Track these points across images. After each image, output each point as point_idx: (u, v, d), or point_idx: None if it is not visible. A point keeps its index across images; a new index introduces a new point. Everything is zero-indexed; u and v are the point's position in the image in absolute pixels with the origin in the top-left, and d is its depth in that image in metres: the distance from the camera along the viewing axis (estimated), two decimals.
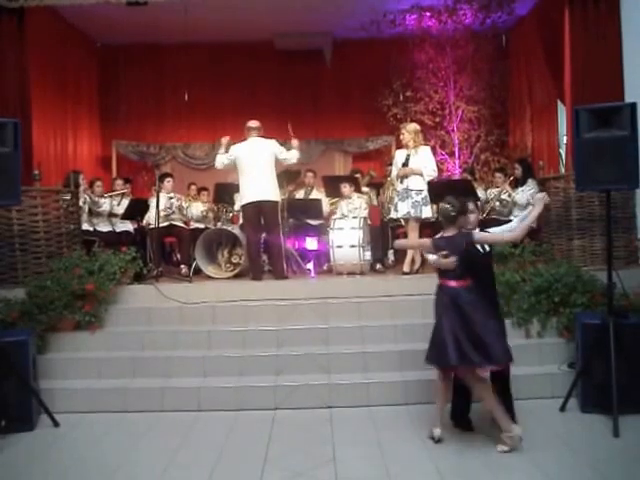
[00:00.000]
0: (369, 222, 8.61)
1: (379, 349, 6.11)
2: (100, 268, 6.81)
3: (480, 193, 9.05)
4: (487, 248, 5.09)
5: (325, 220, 9.08)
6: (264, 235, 7.93)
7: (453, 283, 4.86)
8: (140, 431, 5.33)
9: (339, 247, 7.85)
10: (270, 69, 12.43)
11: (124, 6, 8.37)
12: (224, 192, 9.21)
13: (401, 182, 7.73)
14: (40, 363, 5.88)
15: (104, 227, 8.80)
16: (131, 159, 12.49)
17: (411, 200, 7.60)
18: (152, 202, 8.52)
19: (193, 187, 10.48)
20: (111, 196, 9.16)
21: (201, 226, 9.42)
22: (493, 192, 8.92)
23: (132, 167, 12.34)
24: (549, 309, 6.24)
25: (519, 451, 4.60)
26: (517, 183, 8.57)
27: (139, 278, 7.41)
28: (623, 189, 6.27)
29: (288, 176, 9.09)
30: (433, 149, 8.85)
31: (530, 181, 8.35)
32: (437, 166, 8.11)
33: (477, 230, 5.05)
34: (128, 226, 9.12)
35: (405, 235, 8.10)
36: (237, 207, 8.88)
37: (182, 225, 9.18)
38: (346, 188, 8.96)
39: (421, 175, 7.64)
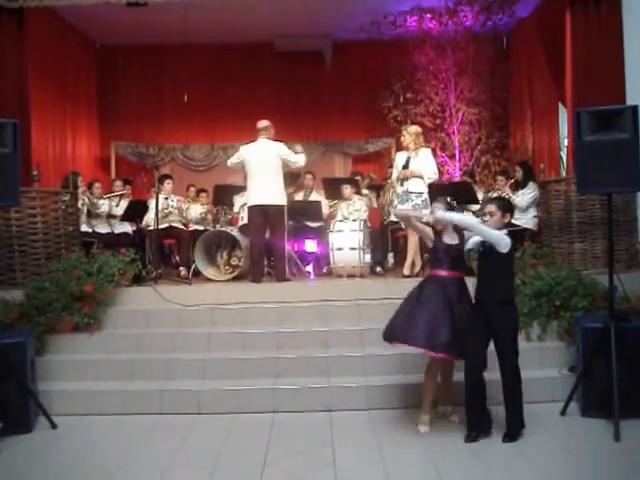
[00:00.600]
0: (369, 224, 8.59)
1: (379, 352, 6.06)
2: (99, 270, 6.79)
3: (480, 196, 9.03)
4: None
5: (324, 222, 9.06)
6: (267, 237, 7.90)
7: (444, 272, 5.09)
8: (138, 434, 5.30)
9: (339, 249, 7.83)
10: (270, 70, 12.42)
11: (124, 7, 8.33)
12: (223, 194, 9.18)
13: (401, 184, 7.71)
14: (38, 365, 5.84)
15: (103, 228, 8.78)
16: (130, 160, 12.46)
17: (411, 203, 7.58)
18: (151, 203, 8.50)
19: (192, 189, 10.47)
20: (110, 197, 9.13)
21: (200, 228, 9.40)
22: (494, 195, 8.88)
23: (131, 168, 12.31)
24: (550, 313, 6.20)
25: (520, 456, 4.57)
26: (518, 186, 8.54)
27: (138, 280, 7.38)
28: (625, 192, 6.26)
29: (287, 178, 9.03)
30: (433, 151, 8.83)
31: (531, 184, 8.32)
32: (437, 168, 8.09)
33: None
34: (127, 228, 9.10)
35: (405, 238, 8.07)
36: (236, 209, 8.86)
37: (181, 227, 9.16)
38: (347, 189, 8.96)
39: (421, 178, 7.62)
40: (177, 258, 9.35)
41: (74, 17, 10.61)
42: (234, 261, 8.24)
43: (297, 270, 8.46)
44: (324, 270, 8.63)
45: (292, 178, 9.49)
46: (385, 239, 8.89)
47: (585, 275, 6.46)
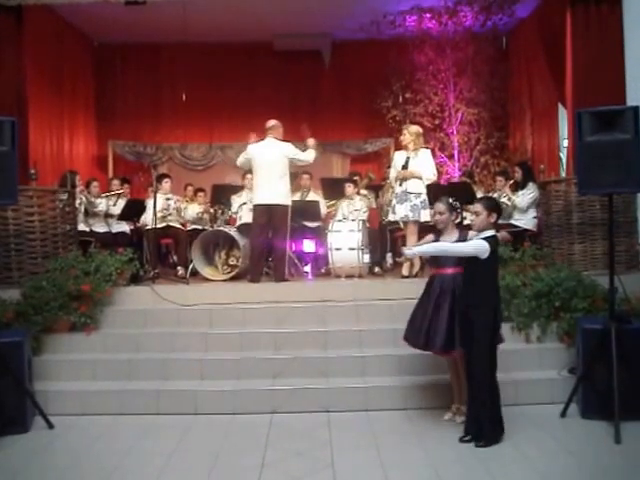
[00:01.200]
0: (368, 225, 8.56)
1: (377, 353, 6.06)
2: (96, 269, 6.77)
3: (480, 196, 9.01)
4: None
5: (323, 222, 9.03)
6: (268, 237, 7.86)
7: (451, 270, 5.13)
8: (135, 434, 5.26)
9: (338, 249, 7.80)
10: (269, 70, 12.39)
11: (122, 5, 8.31)
12: (221, 193, 9.16)
13: (400, 185, 7.68)
14: (35, 364, 5.81)
15: (100, 228, 8.75)
16: (128, 159, 12.43)
17: (410, 203, 7.55)
18: (149, 203, 8.47)
19: (190, 188, 10.43)
20: (107, 196, 9.09)
21: (198, 227, 9.36)
22: (493, 196, 8.86)
23: (129, 167, 12.27)
24: (549, 314, 6.18)
25: (520, 457, 4.55)
26: (517, 186, 8.51)
27: (135, 279, 7.35)
28: (625, 193, 6.24)
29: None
30: (432, 152, 8.80)
31: (530, 184, 8.30)
32: (436, 169, 8.06)
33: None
34: (124, 227, 9.07)
35: (403, 238, 8.05)
36: (234, 209, 8.83)
37: (179, 226, 9.13)
38: (350, 188, 8.94)
39: (420, 178, 7.59)
40: (175, 258, 9.32)
41: (72, 15, 10.57)
42: (232, 261, 8.21)
43: (295, 270, 8.43)
44: (322, 270, 8.60)
45: (291, 178, 9.46)
46: (384, 239, 8.86)
47: (585, 276, 6.44)
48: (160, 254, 9.42)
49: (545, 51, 9.38)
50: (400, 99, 11.71)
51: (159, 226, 8.49)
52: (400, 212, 7.61)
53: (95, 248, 7.61)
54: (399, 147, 8.37)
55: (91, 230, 8.63)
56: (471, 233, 5.14)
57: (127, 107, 12.47)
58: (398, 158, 7.82)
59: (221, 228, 8.46)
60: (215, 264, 8.31)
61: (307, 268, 8.57)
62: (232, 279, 7.92)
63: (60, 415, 5.55)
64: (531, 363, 5.98)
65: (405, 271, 7.61)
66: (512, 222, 8.33)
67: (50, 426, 5.38)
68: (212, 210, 9.31)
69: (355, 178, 9.74)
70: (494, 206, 5.06)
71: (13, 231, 6.85)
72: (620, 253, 7.03)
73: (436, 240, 5.22)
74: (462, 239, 5.11)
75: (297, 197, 9.57)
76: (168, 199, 9.00)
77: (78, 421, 5.55)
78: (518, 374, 5.86)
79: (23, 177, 7.07)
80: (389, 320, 6.49)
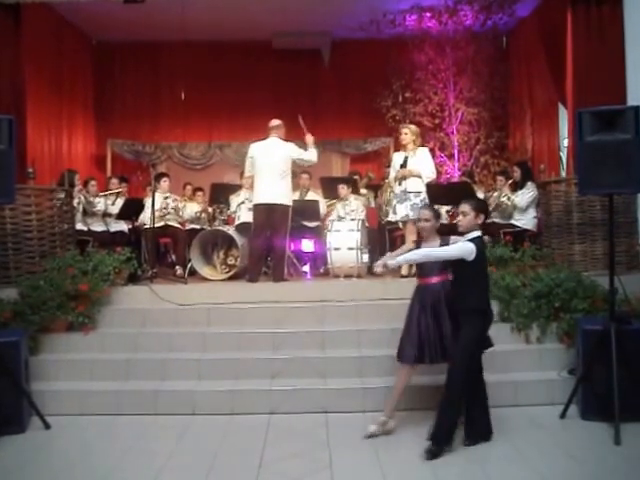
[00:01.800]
0: (367, 224, 8.53)
1: (376, 353, 6.02)
2: (94, 268, 6.73)
3: (480, 196, 8.99)
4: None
5: (322, 222, 9.00)
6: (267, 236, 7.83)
7: (435, 279, 5.06)
8: (133, 435, 5.24)
9: (336, 249, 7.77)
10: (268, 68, 12.37)
11: (121, 3, 8.28)
12: (220, 193, 9.13)
13: (399, 184, 7.65)
14: (32, 364, 5.77)
15: (98, 227, 8.73)
16: (126, 158, 12.40)
17: (409, 202, 7.52)
18: (147, 202, 8.44)
19: (189, 187, 10.41)
20: (106, 195, 9.06)
21: (197, 227, 9.34)
22: (493, 195, 8.85)
23: (127, 166, 12.24)
24: (549, 314, 6.15)
25: (519, 459, 4.52)
26: (516, 186, 8.49)
27: (133, 279, 7.32)
28: (626, 193, 6.21)
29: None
30: (432, 151, 8.78)
31: (530, 184, 8.28)
32: (436, 168, 8.04)
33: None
34: (122, 226, 9.05)
35: (403, 238, 8.02)
36: (233, 208, 8.80)
37: (177, 226, 9.10)
38: (343, 189, 8.91)
39: (419, 177, 7.56)
40: (173, 257, 9.29)
41: (71, 13, 10.56)
42: (230, 260, 8.19)
43: (294, 270, 8.40)
44: (321, 270, 8.57)
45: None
46: (383, 239, 8.85)
47: (585, 277, 6.42)
48: (159, 253, 9.39)
49: (545, 50, 9.37)
50: (400, 98, 11.69)
51: (157, 225, 8.46)
52: (400, 212, 7.58)
53: (93, 247, 7.59)
54: (399, 146, 8.33)
55: (89, 229, 8.60)
56: (453, 239, 5.08)
57: (126, 106, 12.47)
58: (396, 158, 7.80)
59: (219, 227, 8.44)
60: (213, 264, 8.29)
61: (306, 268, 8.54)
62: (230, 279, 7.89)
63: (57, 415, 5.52)
64: (531, 364, 5.96)
65: (404, 271, 7.58)
66: (512, 222, 8.31)
67: (47, 426, 5.35)
68: (210, 209, 9.29)
69: (355, 177, 9.72)
70: (482, 207, 5.00)
71: (10, 230, 6.81)
72: (620, 253, 7.00)
73: (417, 248, 5.14)
74: (444, 246, 5.04)
75: (296, 196, 9.54)
76: (166, 198, 8.97)
77: (75, 421, 5.52)
78: (518, 375, 5.84)
79: (21, 176, 7.05)
80: (388, 320, 6.44)
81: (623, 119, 5.14)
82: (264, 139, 7.77)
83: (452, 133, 11.43)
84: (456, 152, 11.40)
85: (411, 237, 7.57)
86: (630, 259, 7.25)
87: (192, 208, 9.63)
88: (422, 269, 5.14)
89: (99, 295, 6.57)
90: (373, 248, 8.43)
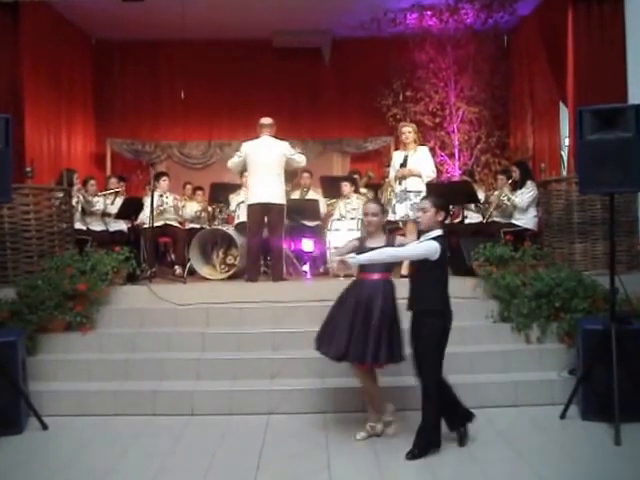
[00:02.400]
0: None
1: None
2: (92, 268, 6.68)
3: (480, 195, 8.97)
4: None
5: (322, 221, 8.97)
6: (265, 236, 7.81)
7: (376, 276, 4.87)
8: (131, 435, 5.21)
9: (336, 249, 7.73)
10: (268, 67, 12.34)
11: (120, 2, 8.26)
12: (219, 192, 9.11)
13: (399, 183, 7.63)
14: (30, 364, 5.74)
15: (97, 226, 8.71)
16: (126, 157, 12.37)
17: (409, 202, 7.49)
18: (146, 201, 8.41)
19: (188, 186, 10.39)
20: (105, 195, 9.04)
21: (197, 226, 9.32)
22: (494, 195, 8.82)
23: (127, 165, 12.21)
24: (550, 314, 6.12)
25: (519, 460, 4.49)
26: (516, 186, 8.46)
27: (132, 278, 7.28)
28: (627, 192, 6.18)
29: (285, 177, 8.96)
30: (433, 150, 8.75)
31: (529, 183, 8.25)
32: (436, 167, 8.01)
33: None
34: (122, 225, 9.03)
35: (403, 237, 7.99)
36: (232, 207, 8.77)
37: (177, 225, 9.08)
38: (347, 187, 8.89)
39: (420, 176, 7.53)
40: (172, 256, 9.27)
41: (70, 12, 10.53)
42: (230, 260, 8.16)
43: (294, 270, 8.37)
44: (321, 270, 8.54)
45: (289, 176, 9.39)
46: None
47: (586, 276, 6.38)
48: (158, 253, 9.37)
49: (546, 49, 9.34)
50: (400, 97, 11.66)
51: (157, 225, 8.43)
52: (400, 211, 7.56)
53: (92, 247, 7.56)
54: (399, 145, 8.30)
55: (88, 229, 8.59)
56: (399, 239, 5.04)
57: (126, 105, 12.45)
58: (396, 157, 7.77)
59: (219, 227, 8.41)
60: (213, 263, 8.26)
61: (306, 267, 8.51)
62: (230, 278, 7.87)
63: (55, 416, 5.48)
64: (531, 364, 5.92)
65: (404, 270, 7.54)
66: (512, 221, 8.28)
67: (44, 427, 5.31)
68: (210, 209, 9.27)
69: (355, 177, 9.69)
70: (442, 204, 4.78)
71: (8, 229, 6.78)
72: (621, 253, 6.98)
73: (361, 245, 4.96)
74: (389, 244, 4.89)
75: (297, 196, 9.53)
76: (161, 196, 8.92)
77: (73, 422, 5.49)
78: (518, 375, 5.82)
79: (19, 175, 7.03)
80: None
81: (624, 118, 5.11)
82: (256, 138, 7.74)
83: (453, 132, 11.41)
84: (457, 151, 11.38)
85: (411, 236, 7.55)
86: (631, 259, 7.22)
87: (192, 207, 9.61)
88: (365, 265, 4.86)
89: (97, 295, 6.53)
90: None
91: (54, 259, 6.81)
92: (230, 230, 8.17)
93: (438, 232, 4.68)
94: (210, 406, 5.62)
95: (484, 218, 8.84)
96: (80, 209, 8.52)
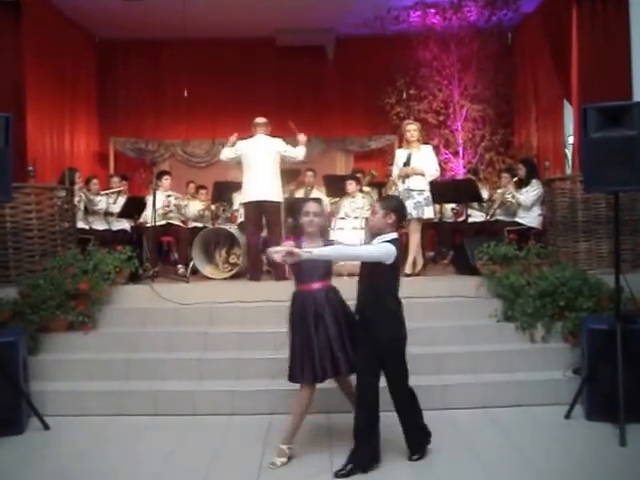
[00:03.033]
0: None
1: None
2: (94, 267, 6.65)
3: (485, 194, 8.94)
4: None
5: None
6: (264, 235, 7.79)
7: (317, 285, 4.62)
8: (133, 435, 5.19)
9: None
10: (271, 66, 12.35)
11: (122, 1, 8.24)
12: (223, 191, 9.09)
13: (403, 182, 7.59)
14: (31, 364, 5.72)
15: (100, 225, 8.70)
16: (129, 156, 12.35)
17: (413, 200, 7.46)
18: (149, 200, 8.40)
19: (191, 185, 10.38)
20: (107, 194, 9.02)
21: (200, 225, 9.30)
22: (497, 193, 8.79)
23: (130, 164, 12.19)
24: (554, 313, 6.07)
25: (523, 460, 4.46)
26: (521, 184, 8.42)
27: (135, 278, 7.26)
28: (632, 190, 6.12)
29: (288, 175, 8.93)
30: (437, 148, 8.72)
31: (534, 181, 8.21)
32: (440, 166, 7.98)
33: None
34: (124, 224, 9.01)
35: (406, 236, 7.96)
36: (235, 206, 8.75)
37: (179, 224, 9.05)
38: (352, 185, 8.86)
39: (423, 175, 7.50)
40: (175, 255, 9.25)
41: (73, 11, 10.51)
42: (232, 259, 8.13)
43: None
44: None
45: (293, 175, 9.39)
46: None
47: (590, 275, 6.33)
48: (161, 252, 9.36)
49: (551, 47, 9.31)
50: (404, 95, 11.64)
51: (159, 224, 8.43)
52: None
53: (94, 246, 7.54)
54: (403, 144, 8.26)
55: (91, 228, 8.57)
56: (336, 242, 4.87)
57: (129, 103, 12.43)
58: (400, 156, 7.74)
59: (222, 226, 8.39)
60: (216, 262, 8.23)
61: None
62: (232, 277, 7.84)
63: (56, 416, 5.47)
64: (535, 363, 5.88)
65: (408, 269, 7.52)
66: (517, 220, 8.25)
67: (46, 427, 5.29)
68: (213, 207, 9.25)
69: (358, 175, 9.66)
70: (394, 206, 4.52)
71: (10, 229, 6.77)
72: (626, 252, 6.94)
73: (297, 247, 4.46)
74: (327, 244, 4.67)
75: (301, 194, 9.51)
76: (169, 196, 8.92)
77: (75, 422, 5.47)
78: (522, 374, 5.77)
79: (21, 174, 7.01)
80: None
81: (629, 115, 5.05)
82: (251, 137, 7.73)
83: (457, 130, 11.39)
84: (461, 149, 11.36)
85: (415, 235, 7.53)
86: (636, 257, 7.18)
87: (195, 206, 9.59)
88: (301, 274, 4.62)
89: (99, 294, 6.51)
90: None
91: (56, 258, 6.79)
92: (233, 229, 8.15)
93: (393, 235, 4.45)
94: (212, 406, 5.59)
95: (488, 216, 8.80)
96: (83, 208, 8.51)
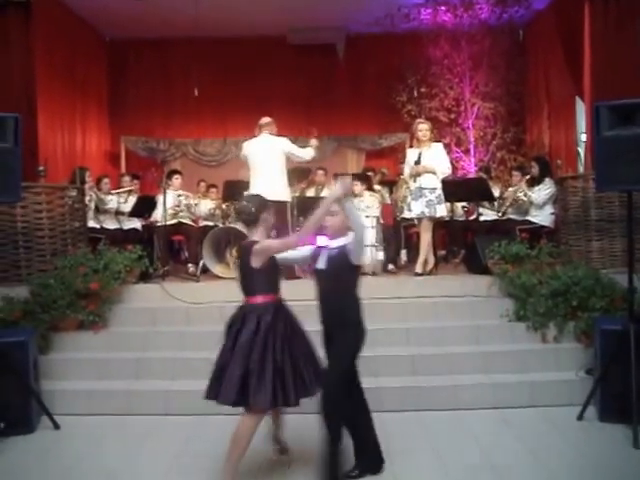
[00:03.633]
0: (381, 221, 8.44)
1: (389, 353, 5.93)
2: (105, 266, 6.65)
3: (496, 192, 8.89)
4: None
5: None
6: (273, 234, 7.77)
7: (260, 299, 4.21)
8: (143, 435, 5.19)
9: None
10: (282, 64, 12.27)
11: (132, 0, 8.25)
12: (233, 190, 9.06)
13: (414, 181, 7.56)
14: (42, 363, 5.73)
15: (111, 224, 8.69)
16: (140, 155, 12.35)
17: (425, 199, 7.43)
18: (160, 199, 8.39)
19: (202, 184, 10.38)
20: (118, 193, 9.02)
21: (210, 224, 9.29)
22: (509, 191, 8.74)
23: (142, 163, 12.14)
24: (566, 313, 6.02)
25: (535, 461, 4.43)
26: (534, 182, 8.37)
27: (145, 277, 7.26)
28: None
29: (298, 174, 8.91)
30: (448, 147, 8.68)
31: (547, 180, 8.16)
32: (452, 164, 7.94)
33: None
34: (135, 224, 9.01)
35: (418, 235, 7.93)
36: None
37: (190, 223, 9.05)
38: (357, 186, 8.79)
39: (434, 173, 7.46)
40: (186, 254, 9.24)
41: (83, 10, 10.50)
42: None
43: (308, 267, 8.30)
44: None
45: (303, 174, 9.36)
46: (398, 236, 8.75)
47: (603, 274, 6.28)
48: (172, 251, 9.35)
49: (563, 44, 9.23)
50: (415, 93, 11.57)
51: (170, 223, 8.43)
52: (416, 209, 7.49)
53: (104, 245, 7.55)
54: (414, 142, 8.22)
55: (102, 227, 8.57)
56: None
57: (140, 103, 12.40)
58: (411, 154, 7.71)
59: (232, 225, 8.38)
60: (226, 261, 8.21)
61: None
62: None
63: (67, 415, 5.47)
64: (547, 364, 5.84)
65: (419, 268, 7.49)
66: (528, 218, 8.19)
67: (56, 426, 5.31)
68: (224, 206, 9.24)
69: (368, 174, 9.62)
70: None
71: (21, 228, 6.78)
72: (639, 250, 6.86)
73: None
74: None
75: (312, 193, 9.49)
76: (179, 196, 8.91)
77: (85, 421, 5.47)
78: (534, 375, 5.74)
79: (32, 174, 7.01)
80: (402, 319, 6.37)
81: None
82: (255, 137, 7.74)
83: (468, 128, 11.32)
84: (472, 147, 11.30)
85: (426, 234, 7.50)
86: None
87: (206, 205, 9.59)
88: (245, 286, 4.30)
89: (110, 293, 6.51)
90: (388, 245, 8.33)
91: (67, 258, 6.80)
92: (243, 228, 8.12)
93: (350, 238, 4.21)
94: (223, 406, 5.57)
95: (499, 215, 8.75)
96: (93, 207, 8.51)
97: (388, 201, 9.53)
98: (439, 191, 7.48)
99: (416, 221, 7.88)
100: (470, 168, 11.18)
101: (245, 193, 4.12)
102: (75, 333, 6.26)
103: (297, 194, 8.91)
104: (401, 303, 6.59)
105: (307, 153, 7.76)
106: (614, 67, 7.57)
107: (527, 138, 11.71)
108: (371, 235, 7.70)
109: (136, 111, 12.35)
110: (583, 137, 9.45)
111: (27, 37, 7.83)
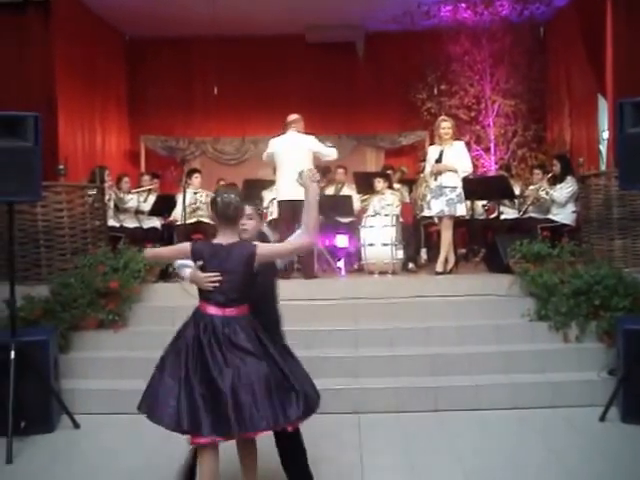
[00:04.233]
0: (401, 220, 8.41)
1: (409, 352, 5.90)
2: (125, 265, 6.66)
3: (516, 190, 8.83)
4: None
5: (356, 217, 8.89)
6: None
7: (214, 310, 3.66)
8: (162, 434, 5.13)
9: (371, 245, 7.67)
10: (301, 62, 12.30)
11: None
12: (252, 188, 9.07)
13: (435, 179, 7.51)
14: (62, 362, 5.76)
15: (131, 223, 8.73)
16: (160, 154, 12.39)
17: (445, 197, 7.38)
18: (179, 198, 8.41)
19: (222, 183, 10.38)
20: (138, 192, 9.05)
21: None
22: (531, 189, 8.67)
23: (161, 162, 12.17)
24: (589, 313, 5.96)
25: (557, 463, 4.37)
26: (555, 180, 8.29)
27: (165, 276, 7.26)
28: None
29: (318, 172, 8.88)
30: (468, 144, 8.62)
31: (569, 178, 8.08)
32: (472, 162, 7.88)
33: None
34: (155, 222, 9.04)
35: (438, 233, 7.89)
36: (265, 204, 8.73)
37: (210, 221, 9.05)
38: (380, 183, 8.80)
39: (455, 171, 7.41)
40: None
41: (102, 9, 10.55)
42: None
43: (328, 266, 8.30)
44: (355, 266, 8.45)
45: (323, 172, 9.34)
46: (418, 234, 8.71)
47: (626, 273, 6.21)
48: None
49: (584, 40, 9.16)
50: (435, 91, 11.52)
51: (190, 222, 8.43)
52: (436, 207, 7.44)
53: (125, 244, 7.57)
54: (434, 140, 8.18)
55: (122, 226, 8.61)
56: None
57: (159, 101, 12.45)
58: (432, 152, 7.66)
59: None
60: None
61: (340, 264, 8.43)
62: None
63: (87, 414, 5.48)
64: (569, 364, 5.77)
65: (439, 267, 7.44)
66: (550, 217, 8.13)
67: (76, 425, 5.32)
68: None
69: (388, 172, 9.59)
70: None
71: (42, 227, 6.81)
72: None
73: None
74: None
75: (331, 191, 9.46)
76: (196, 193, 8.92)
77: (105, 420, 5.48)
78: (555, 375, 5.68)
79: (52, 173, 7.05)
80: (422, 319, 6.33)
81: None
82: (283, 134, 7.70)
83: (488, 126, 11.26)
84: (492, 145, 11.24)
85: (447, 233, 7.45)
86: None
87: None
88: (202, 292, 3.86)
89: (130, 292, 6.51)
90: (408, 244, 8.29)
91: (87, 257, 6.82)
92: (263, 227, 8.11)
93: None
94: None
95: (520, 213, 8.69)
96: (113, 206, 8.55)
97: (407, 200, 9.50)
98: (460, 190, 7.42)
99: (436, 219, 7.83)
100: (490, 166, 11.12)
101: (227, 189, 3.80)
102: (95, 332, 6.27)
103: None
104: (421, 302, 6.55)
105: (333, 152, 7.74)
106: (636, 64, 7.50)
107: (548, 136, 11.63)
108: (390, 234, 7.68)
109: (155, 110, 12.40)
110: (605, 134, 9.36)
111: (47, 36, 7.89)
